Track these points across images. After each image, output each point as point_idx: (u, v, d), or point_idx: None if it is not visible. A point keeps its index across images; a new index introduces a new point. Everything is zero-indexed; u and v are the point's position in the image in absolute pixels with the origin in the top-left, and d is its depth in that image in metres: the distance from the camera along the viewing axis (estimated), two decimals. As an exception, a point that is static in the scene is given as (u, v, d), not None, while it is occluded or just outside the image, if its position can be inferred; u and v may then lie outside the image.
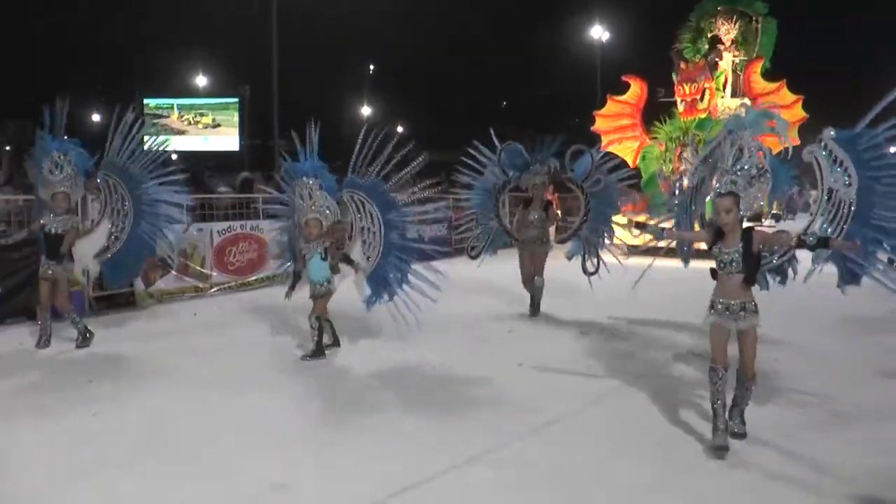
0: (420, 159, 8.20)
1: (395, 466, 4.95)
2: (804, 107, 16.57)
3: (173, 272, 11.58)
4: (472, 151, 10.34)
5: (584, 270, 9.82)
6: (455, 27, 51.98)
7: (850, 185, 5.70)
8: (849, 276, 6.02)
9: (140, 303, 11.14)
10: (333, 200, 7.80)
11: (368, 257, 7.98)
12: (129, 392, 6.69)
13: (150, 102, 36.09)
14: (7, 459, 5.16)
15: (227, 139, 37.47)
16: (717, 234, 5.29)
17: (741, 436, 5.43)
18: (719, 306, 5.30)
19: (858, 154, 5.73)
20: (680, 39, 18.94)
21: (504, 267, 10.43)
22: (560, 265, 10.27)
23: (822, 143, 5.89)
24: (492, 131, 10.32)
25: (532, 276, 10.01)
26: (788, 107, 16.56)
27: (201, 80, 43.96)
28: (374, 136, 7.77)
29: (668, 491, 4.64)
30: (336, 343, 8.19)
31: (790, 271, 6.36)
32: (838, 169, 5.79)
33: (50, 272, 8.21)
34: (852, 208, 5.69)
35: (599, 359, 7.80)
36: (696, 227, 6.49)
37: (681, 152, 17.04)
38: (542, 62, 53.05)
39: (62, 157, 8.16)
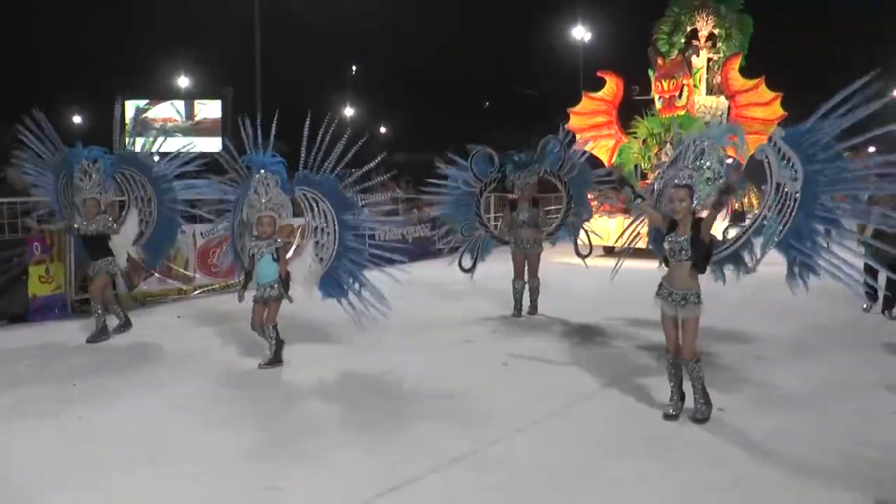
0: (380, 157, 8.30)
1: (381, 467, 4.97)
2: (783, 104, 16.46)
3: (156, 275, 11.54)
4: (441, 162, 10.35)
5: (577, 253, 9.85)
6: (439, 28, 51.99)
7: (796, 179, 6.00)
8: (799, 272, 6.14)
9: (123, 305, 11.08)
10: (287, 199, 7.59)
11: (321, 259, 7.74)
12: (114, 394, 6.68)
13: (133, 104, 35.82)
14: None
15: (210, 140, 37.29)
16: (671, 225, 5.77)
17: (703, 420, 5.75)
18: (664, 290, 5.80)
19: (804, 150, 6.01)
20: (657, 30, 18.59)
21: (488, 268, 10.43)
22: (547, 266, 10.24)
23: (773, 143, 6.14)
24: (449, 154, 10.36)
25: (523, 274, 10.05)
26: (767, 104, 16.50)
27: (184, 82, 43.79)
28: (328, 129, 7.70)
29: (656, 489, 4.67)
30: (278, 361, 7.61)
31: (747, 258, 6.42)
32: (786, 165, 6.06)
33: (93, 270, 8.79)
34: (797, 200, 5.98)
35: (586, 358, 7.83)
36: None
37: (659, 150, 16.61)
38: (526, 62, 53.18)
39: (91, 165, 8.55)
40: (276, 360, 7.56)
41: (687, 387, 5.93)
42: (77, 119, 44.60)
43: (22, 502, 4.59)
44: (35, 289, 9.87)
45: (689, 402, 5.93)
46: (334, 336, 8.48)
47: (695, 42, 18.09)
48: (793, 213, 6.00)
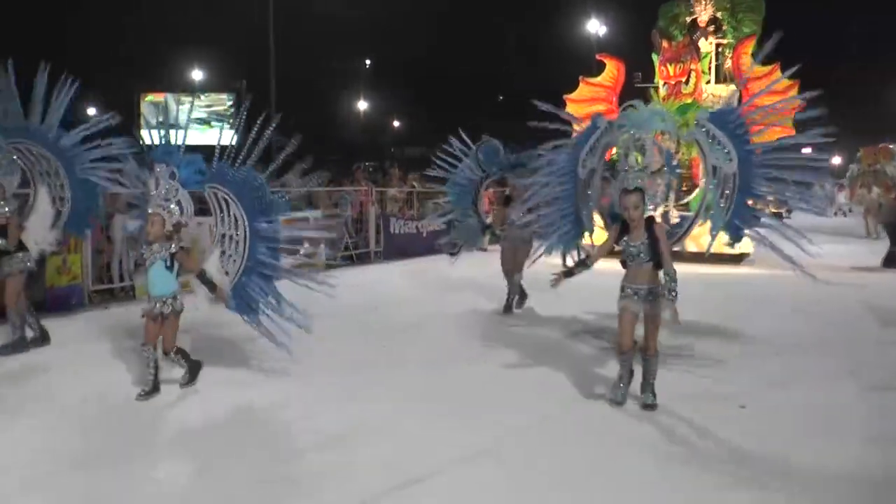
0: (290, 144, 6.78)
1: (395, 463, 4.87)
2: (801, 92, 15.65)
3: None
4: (448, 146, 10.24)
5: (564, 266, 9.39)
6: (452, 21, 51.92)
7: (730, 159, 6.09)
8: (734, 234, 6.40)
9: (139, 297, 11.14)
10: (187, 194, 6.22)
11: (227, 272, 6.49)
12: (118, 386, 6.50)
13: (148, 97, 35.99)
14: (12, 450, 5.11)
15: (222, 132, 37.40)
16: (623, 229, 5.74)
17: (652, 407, 5.81)
18: (629, 290, 5.76)
19: (731, 131, 6.09)
20: (662, 15, 18.03)
21: (486, 264, 10.36)
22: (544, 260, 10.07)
23: (700, 125, 6.23)
24: (460, 131, 10.20)
25: (513, 272, 9.95)
26: (783, 93, 15.94)
27: (197, 75, 43.95)
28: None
29: (660, 487, 4.58)
30: (197, 371, 6.47)
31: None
32: (717, 147, 6.15)
33: (19, 265, 7.51)
34: (736, 180, 6.09)
35: (589, 354, 7.74)
36: (600, 222, 6.73)
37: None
38: (539, 56, 53.05)
39: None
40: (194, 374, 6.45)
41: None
42: (91, 111, 44.71)
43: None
44: (52, 279, 9.94)
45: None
46: (351, 326, 8.48)
47: (701, 25, 17.26)
48: (734, 194, 6.10)
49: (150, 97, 34.81)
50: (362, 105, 55.29)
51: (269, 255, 6.53)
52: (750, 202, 6.24)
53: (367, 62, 55.96)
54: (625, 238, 5.72)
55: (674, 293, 5.56)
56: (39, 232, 7.69)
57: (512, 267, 9.94)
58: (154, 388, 6.17)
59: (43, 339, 7.89)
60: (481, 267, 11.27)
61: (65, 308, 9.95)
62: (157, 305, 6.13)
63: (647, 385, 5.92)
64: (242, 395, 6.31)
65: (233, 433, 5.51)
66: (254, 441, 5.32)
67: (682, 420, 5.64)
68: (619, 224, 5.79)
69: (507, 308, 10.05)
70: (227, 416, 5.86)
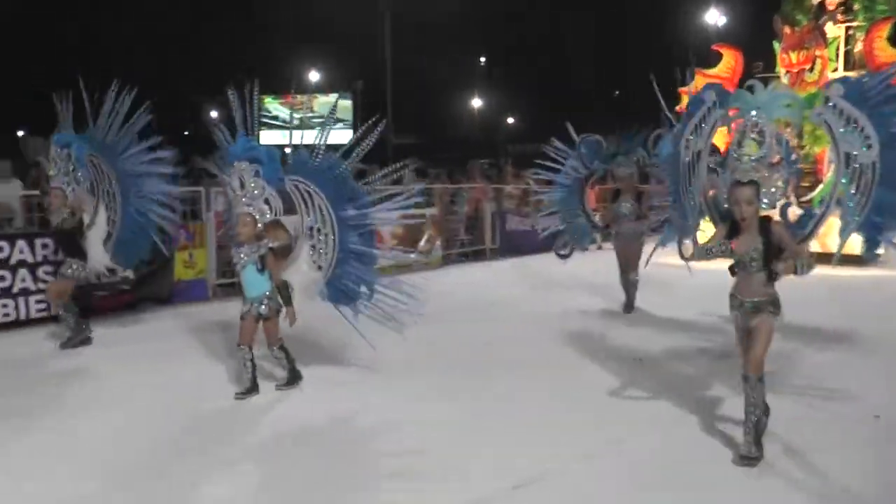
0: (406, 163, 6.91)
1: (507, 463, 4.81)
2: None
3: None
4: (550, 147, 10.05)
5: (681, 255, 9.05)
6: (563, 18, 51.39)
7: (869, 146, 5.04)
8: (870, 237, 5.39)
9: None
10: (274, 192, 6.06)
11: (319, 266, 6.34)
12: (222, 378, 6.76)
13: (266, 99, 37.07)
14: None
15: (340, 132, 38.16)
16: (733, 229, 4.82)
17: (746, 459, 4.76)
18: (735, 301, 4.95)
19: (873, 109, 5.07)
20: (785, 1, 16.93)
21: (602, 261, 10.14)
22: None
23: (831, 104, 5.21)
24: (568, 125, 10.00)
25: (628, 270, 9.71)
26: None
27: (314, 76, 45.01)
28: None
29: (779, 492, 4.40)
30: (297, 378, 6.46)
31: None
32: (852, 129, 5.12)
33: (69, 271, 7.87)
34: (876, 172, 5.03)
35: (703, 362, 7.35)
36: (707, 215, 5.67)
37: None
38: (656, 49, 51.90)
39: (59, 151, 7.75)
40: (293, 378, 6.44)
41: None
42: (214, 113, 46.30)
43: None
44: (180, 273, 10.42)
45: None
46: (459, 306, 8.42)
47: (829, 8, 16.01)
48: (872, 189, 5.07)
49: (269, 99, 35.95)
50: (477, 103, 55.51)
51: (362, 243, 6.36)
52: None
53: (482, 60, 56.13)
54: (736, 239, 4.79)
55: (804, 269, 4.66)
56: (95, 248, 7.95)
57: (625, 264, 9.71)
58: (252, 388, 6.21)
59: (77, 336, 7.98)
60: (596, 264, 11.09)
61: (189, 300, 10.50)
62: (254, 307, 6.13)
63: (747, 422, 4.83)
64: (339, 394, 6.33)
65: (331, 433, 5.55)
66: (353, 441, 5.38)
67: (812, 429, 5.31)
68: (728, 223, 4.90)
69: (628, 306, 9.79)
70: (322, 416, 5.83)
